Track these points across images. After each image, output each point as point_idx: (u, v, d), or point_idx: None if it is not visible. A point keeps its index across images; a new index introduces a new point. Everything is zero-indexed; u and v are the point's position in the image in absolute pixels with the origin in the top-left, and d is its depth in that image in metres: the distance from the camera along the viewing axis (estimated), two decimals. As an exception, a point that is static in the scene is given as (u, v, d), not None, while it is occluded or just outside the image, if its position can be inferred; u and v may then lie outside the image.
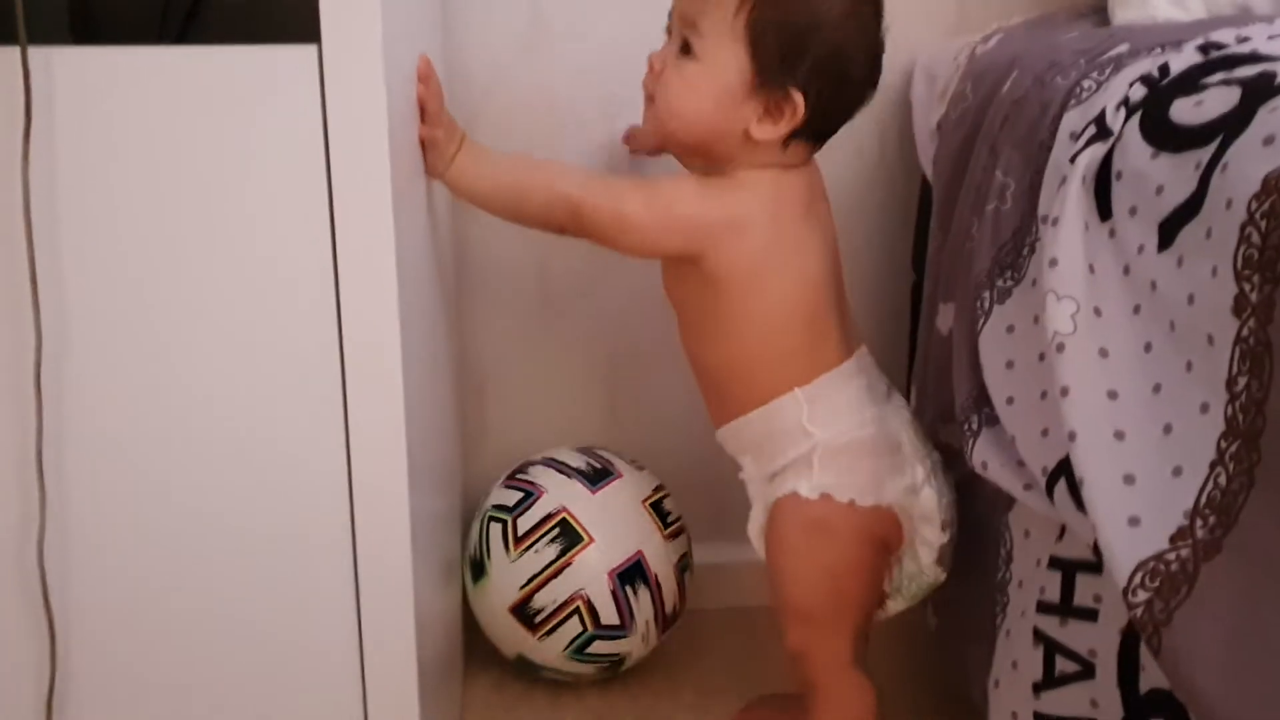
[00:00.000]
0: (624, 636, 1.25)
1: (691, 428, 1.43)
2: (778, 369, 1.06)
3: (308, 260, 0.81)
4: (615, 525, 1.25)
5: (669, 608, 1.28)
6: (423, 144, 0.98)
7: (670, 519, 1.30)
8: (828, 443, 1.05)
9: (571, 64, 1.36)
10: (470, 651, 1.39)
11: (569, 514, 1.24)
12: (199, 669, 0.88)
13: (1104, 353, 0.79)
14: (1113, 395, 0.77)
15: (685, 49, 1.01)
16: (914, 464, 1.06)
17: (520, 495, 1.27)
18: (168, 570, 0.86)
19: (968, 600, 1.07)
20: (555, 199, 1.02)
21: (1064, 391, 0.79)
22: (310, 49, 0.76)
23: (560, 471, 1.29)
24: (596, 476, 1.29)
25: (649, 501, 1.29)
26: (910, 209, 1.40)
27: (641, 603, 1.25)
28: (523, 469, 1.31)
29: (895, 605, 1.12)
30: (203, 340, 0.82)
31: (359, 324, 0.83)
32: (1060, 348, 0.81)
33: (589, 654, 1.25)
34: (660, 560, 1.27)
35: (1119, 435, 0.76)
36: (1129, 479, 0.73)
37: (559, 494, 1.26)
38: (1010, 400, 0.91)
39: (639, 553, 1.25)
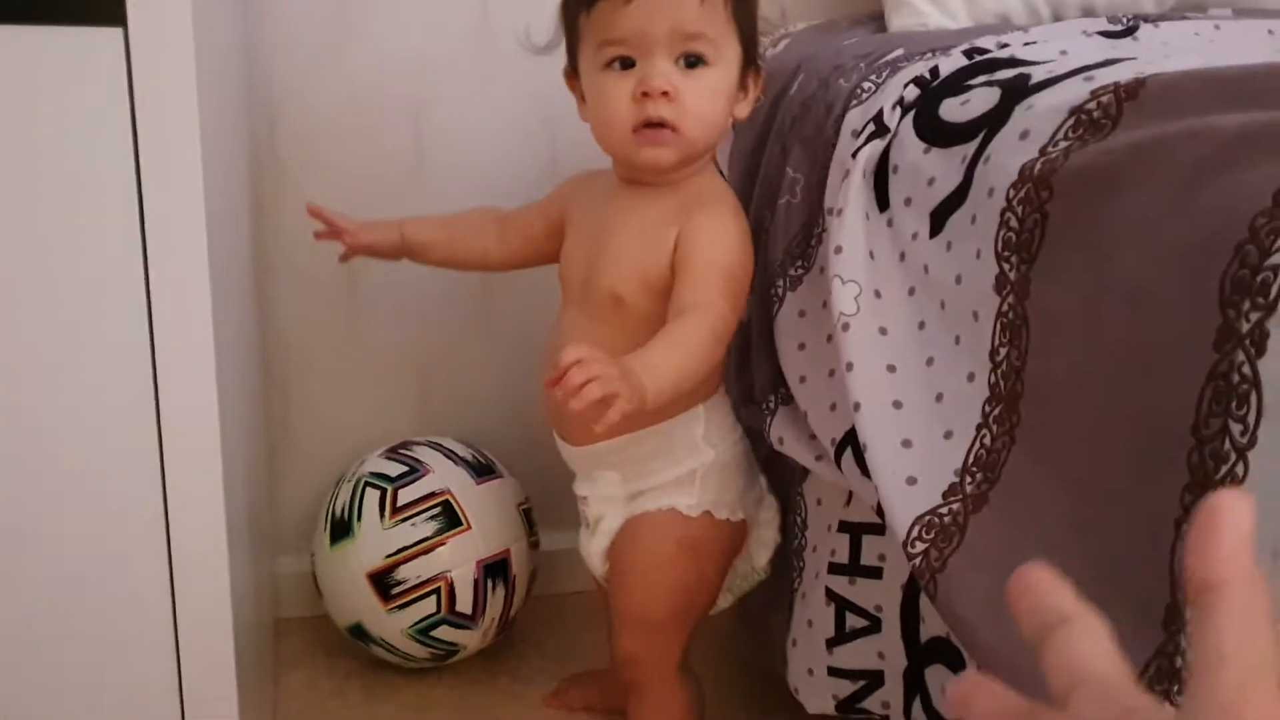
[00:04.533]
0: (470, 628, 1.27)
1: (502, 419, 1.45)
2: (699, 383, 1.03)
3: (114, 251, 0.80)
4: (492, 519, 1.28)
5: (512, 612, 1.31)
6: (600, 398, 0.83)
7: (534, 529, 1.34)
8: (713, 461, 1.05)
9: (375, 64, 1.36)
10: (279, 652, 1.38)
11: (453, 497, 1.26)
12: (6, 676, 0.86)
13: (883, 330, 0.86)
14: (891, 369, 0.84)
15: (691, 62, 0.97)
16: (758, 474, 1.11)
17: (404, 469, 1.28)
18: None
19: (771, 571, 1.13)
20: (717, 337, 0.96)
21: (849, 366, 0.86)
22: (115, 32, 0.75)
23: (447, 456, 1.31)
24: (482, 470, 1.31)
25: (521, 507, 1.33)
26: (708, 205, 1.46)
27: (496, 599, 1.27)
28: (406, 446, 1.33)
29: (724, 602, 1.14)
30: None
31: (169, 316, 0.82)
32: (845, 327, 0.87)
33: (432, 637, 1.26)
34: (521, 564, 1.30)
35: (897, 404, 0.83)
36: (906, 443, 0.80)
37: (445, 476, 1.28)
38: (803, 379, 0.98)
39: (507, 551, 1.28)
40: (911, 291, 0.86)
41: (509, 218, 1.17)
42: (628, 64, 0.97)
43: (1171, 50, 0.92)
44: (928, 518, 0.76)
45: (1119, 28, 1.00)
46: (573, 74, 1.04)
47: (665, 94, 0.95)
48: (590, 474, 1.09)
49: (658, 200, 1.02)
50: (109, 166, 0.78)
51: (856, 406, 0.84)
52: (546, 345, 1.11)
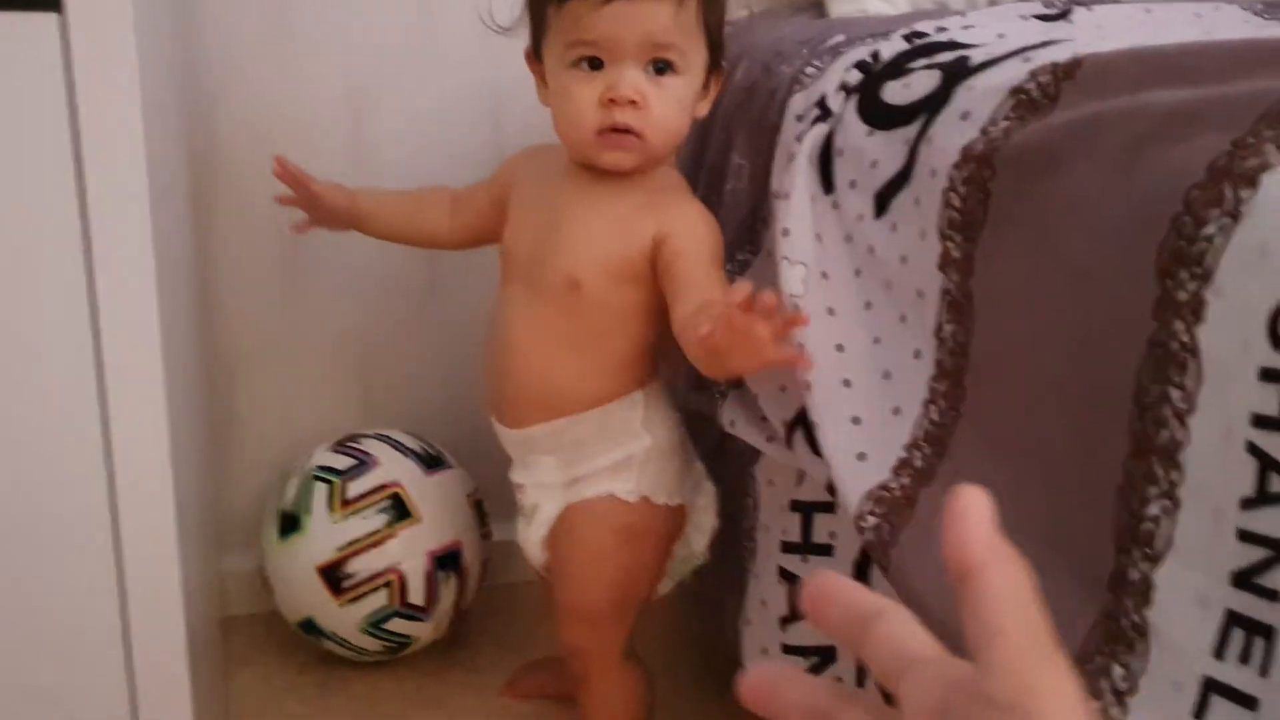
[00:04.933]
0: (423, 620, 1.27)
1: (447, 408, 1.45)
2: (636, 368, 1.04)
3: (55, 241, 0.79)
4: (443, 510, 1.28)
5: (465, 603, 1.31)
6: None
7: (485, 519, 1.33)
8: (651, 447, 1.05)
9: (316, 49, 1.34)
10: (229, 649, 1.37)
11: (402, 489, 1.26)
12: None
13: (831, 311, 0.87)
14: (840, 348, 0.86)
15: (660, 68, 0.96)
16: (695, 459, 1.11)
17: (353, 462, 1.28)
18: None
19: (723, 552, 1.14)
20: None
21: (798, 347, 0.86)
22: (51, 17, 0.74)
23: (396, 448, 1.31)
24: (431, 461, 1.31)
25: (471, 497, 1.32)
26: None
27: (448, 591, 1.27)
28: (353, 439, 1.32)
29: (664, 587, 1.14)
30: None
31: (114, 308, 0.81)
32: (795, 308, 0.88)
33: (384, 630, 1.26)
34: (473, 555, 1.30)
35: (846, 383, 0.84)
36: (856, 420, 0.82)
37: (395, 468, 1.28)
38: (752, 362, 0.98)
39: (459, 542, 1.28)
40: (858, 272, 0.88)
41: (461, 195, 1.17)
42: (596, 64, 0.96)
43: (1106, 32, 0.94)
44: (878, 492, 0.77)
45: (1054, 11, 1.01)
46: (535, 56, 1.04)
47: (633, 102, 0.95)
48: (526, 460, 1.09)
49: (623, 189, 1.01)
50: (48, 154, 0.77)
51: (807, 386, 0.85)
52: (491, 323, 1.10)
